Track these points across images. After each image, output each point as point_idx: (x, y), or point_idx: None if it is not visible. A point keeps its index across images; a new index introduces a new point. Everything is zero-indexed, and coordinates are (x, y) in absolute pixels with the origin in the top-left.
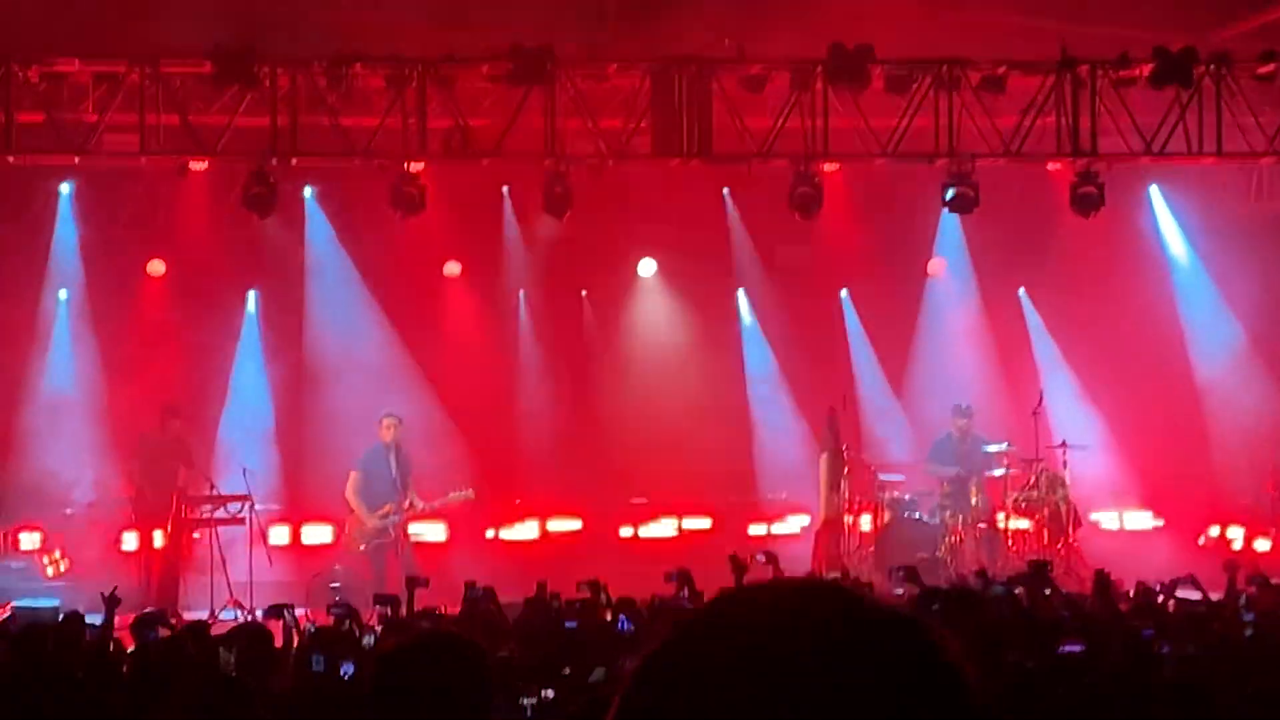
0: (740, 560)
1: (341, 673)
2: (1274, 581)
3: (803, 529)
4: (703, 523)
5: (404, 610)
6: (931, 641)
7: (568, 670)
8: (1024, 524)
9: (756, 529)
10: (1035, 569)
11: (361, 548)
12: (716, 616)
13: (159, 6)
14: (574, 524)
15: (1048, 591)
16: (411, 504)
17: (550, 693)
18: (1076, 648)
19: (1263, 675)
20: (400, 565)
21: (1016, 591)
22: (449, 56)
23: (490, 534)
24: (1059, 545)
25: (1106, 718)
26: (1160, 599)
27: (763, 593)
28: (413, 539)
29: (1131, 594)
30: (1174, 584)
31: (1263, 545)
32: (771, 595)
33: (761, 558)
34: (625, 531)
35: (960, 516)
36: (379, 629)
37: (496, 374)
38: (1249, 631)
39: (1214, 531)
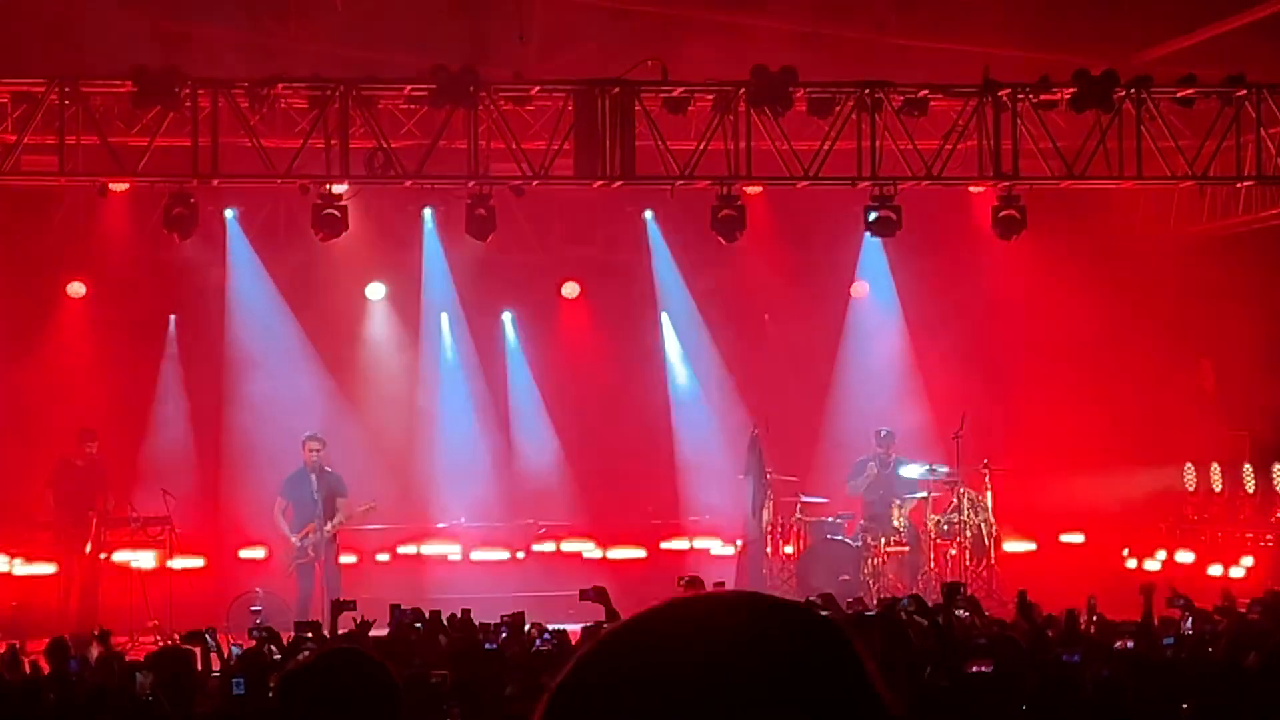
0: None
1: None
2: (1198, 605)
3: (726, 551)
4: (627, 548)
5: (326, 633)
6: (841, 636)
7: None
8: (946, 547)
9: (679, 545)
10: (948, 591)
11: (290, 569)
12: (634, 629)
13: (79, 26)
14: (498, 554)
15: (962, 613)
16: (334, 524)
17: None
18: (986, 668)
19: (1184, 697)
20: (325, 587)
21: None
22: (371, 77)
23: (412, 550)
24: (981, 567)
25: None
26: (1082, 622)
27: (679, 605)
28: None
29: (1055, 617)
30: (1091, 608)
31: (1181, 568)
32: (688, 607)
33: (684, 581)
34: (546, 551)
35: (882, 539)
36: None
37: (418, 396)
38: (1168, 654)
39: (1133, 554)
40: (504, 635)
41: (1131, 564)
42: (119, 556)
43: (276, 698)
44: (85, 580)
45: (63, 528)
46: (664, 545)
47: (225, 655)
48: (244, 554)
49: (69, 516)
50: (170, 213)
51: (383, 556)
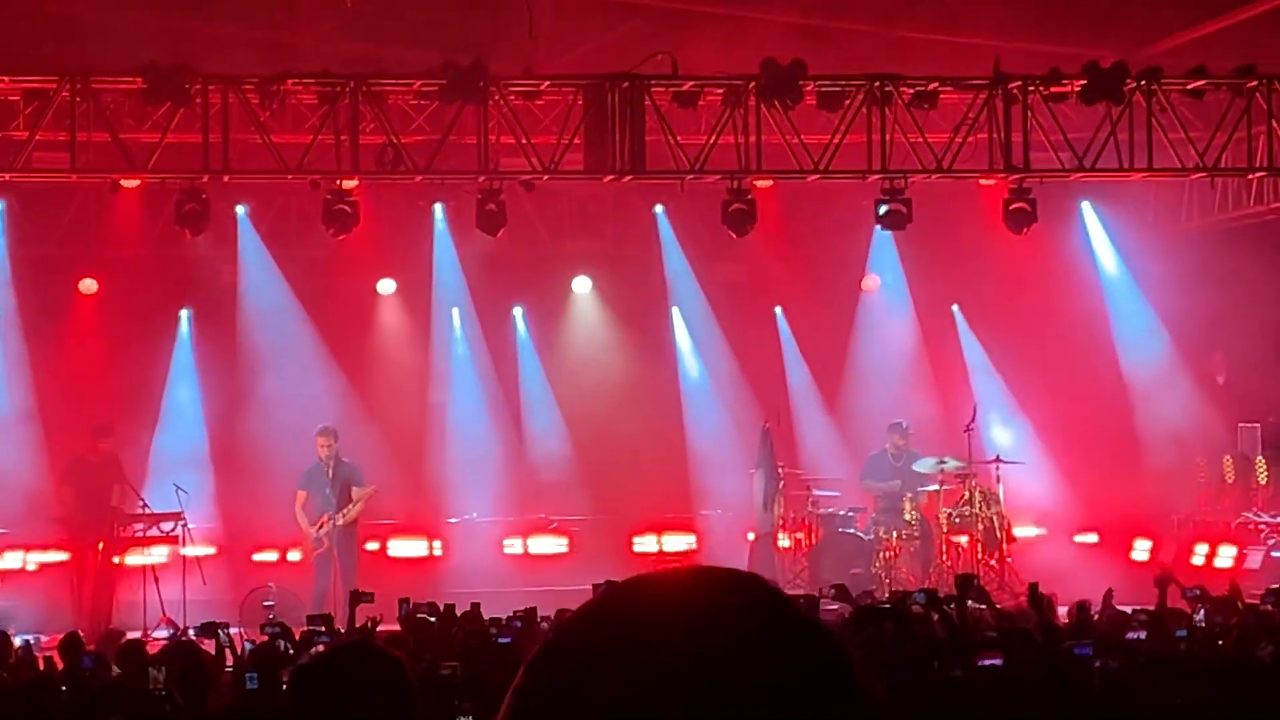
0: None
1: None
2: (1215, 595)
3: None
4: (639, 540)
5: (343, 625)
6: (807, 619)
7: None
8: (958, 539)
9: (689, 540)
10: (962, 583)
11: (313, 561)
12: (598, 608)
13: (90, 23)
14: (512, 543)
15: (976, 605)
16: (350, 514)
17: None
18: (996, 661)
19: (1195, 690)
20: (341, 579)
21: (948, 608)
22: (380, 73)
23: (424, 550)
24: (993, 560)
25: None
26: (1095, 614)
27: (645, 582)
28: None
29: (1068, 610)
30: (1108, 600)
31: (1194, 560)
32: (656, 583)
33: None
34: (558, 547)
35: (894, 532)
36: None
37: (429, 391)
38: (1181, 647)
39: (1146, 546)
40: (518, 626)
41: (1143, 556)
42: (132, 552)
43: (289, 691)
44: (99, 576)
45: (77, 523)
46: (675, 538)
47: (239, 651)
48: (259, 556)
49: (83, 512)
50: (181, 209)
51: (395, 551)
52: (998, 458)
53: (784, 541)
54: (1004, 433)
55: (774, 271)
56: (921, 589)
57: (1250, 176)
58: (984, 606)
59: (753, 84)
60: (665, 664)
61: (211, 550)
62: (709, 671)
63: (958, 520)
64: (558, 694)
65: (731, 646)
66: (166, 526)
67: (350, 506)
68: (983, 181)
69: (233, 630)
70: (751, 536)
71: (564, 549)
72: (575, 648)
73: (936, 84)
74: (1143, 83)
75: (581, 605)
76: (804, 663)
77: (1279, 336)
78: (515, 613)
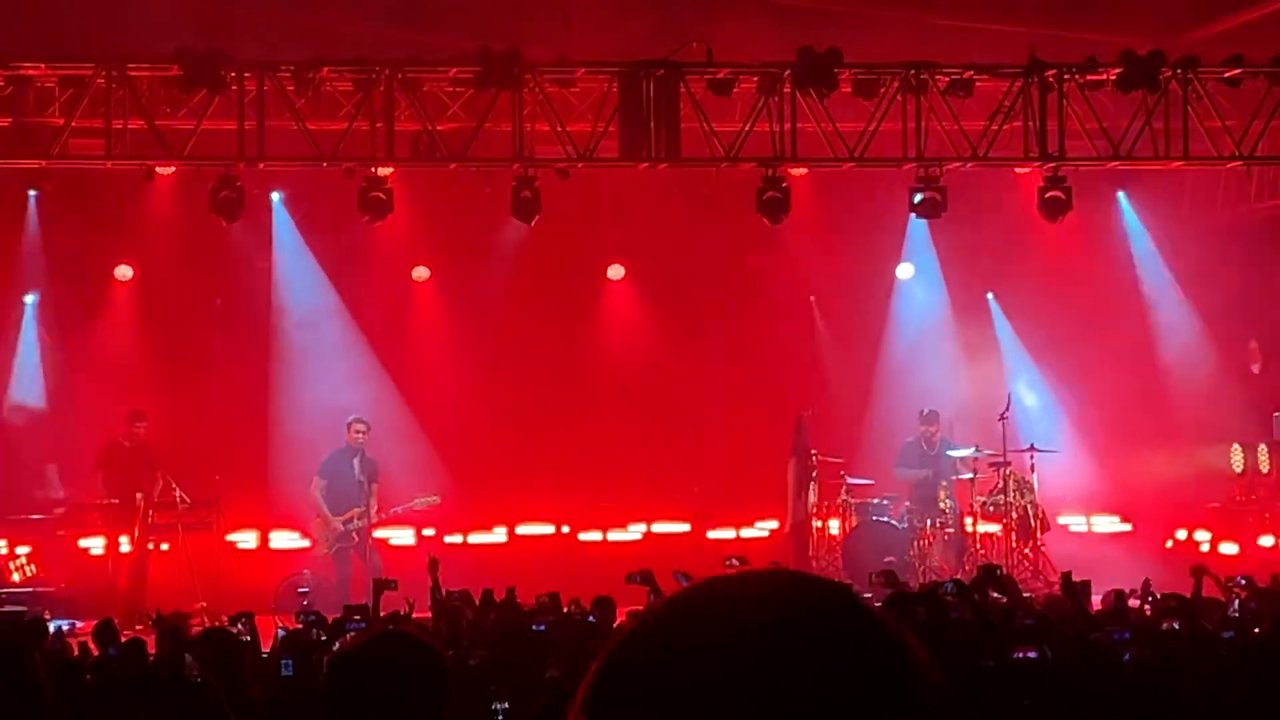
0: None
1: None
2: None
3: (771, 533)
4: (671, 527)
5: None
6: (885, 627)
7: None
8: (992, 528)
9: (725, 533)
10: (984, 573)
11: (326, 551)
12: (677, 608)
13: (125, 10)
14: (542, 529)
15: (996, 595)
16: (372, 510)
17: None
18: (1032, 654)
19: (1232, 679)
20: (365, 568)
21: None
22: (415, 59)
23: (458, 539)
24: (1027, 549)
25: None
26: (1132, 604)
27: (725, 582)
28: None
29: (1102, 599)
30: (1146, 589)
31: (1229, 549)
32: (734, 584)
33: (735, 561)
34: (593, 536)
35: (928, 521)
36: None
37: (465, 379)
38: (1224, 646)
39: (1180, 535)
40: (552, 618)
41: (1178, 545)
42: (166, 538)
43: (327, 680)
44: (133, 562)
45: (111, 509)
46: (710, 526)
47: (269, 639)
48: (290, 536)
49: (118, 498)
50: (216, 196)
51: (429, 535)
52: (1032, 446)
53: (819, 530)
54: (1038, 421)
55: (808, 260)
56: (952, 579)
57: None
58: (1004, 598)
59: (788, 72)
60: (739, 669)
61: (246, 536)
62: (780, 678)
63: (992, 509)
64: (632, 699)
65: (806, 654)
66: (200, 513)
67: (402, 506)
68: (1018, 169)
69: (267, 616)
70: (787, 525)
71: (596, 538)
72: (649, 649)
73: (972, 72)
74: (1179, 71)
75: (657, 603)
76: (878, 673)
77: None
78: (538, 598)
